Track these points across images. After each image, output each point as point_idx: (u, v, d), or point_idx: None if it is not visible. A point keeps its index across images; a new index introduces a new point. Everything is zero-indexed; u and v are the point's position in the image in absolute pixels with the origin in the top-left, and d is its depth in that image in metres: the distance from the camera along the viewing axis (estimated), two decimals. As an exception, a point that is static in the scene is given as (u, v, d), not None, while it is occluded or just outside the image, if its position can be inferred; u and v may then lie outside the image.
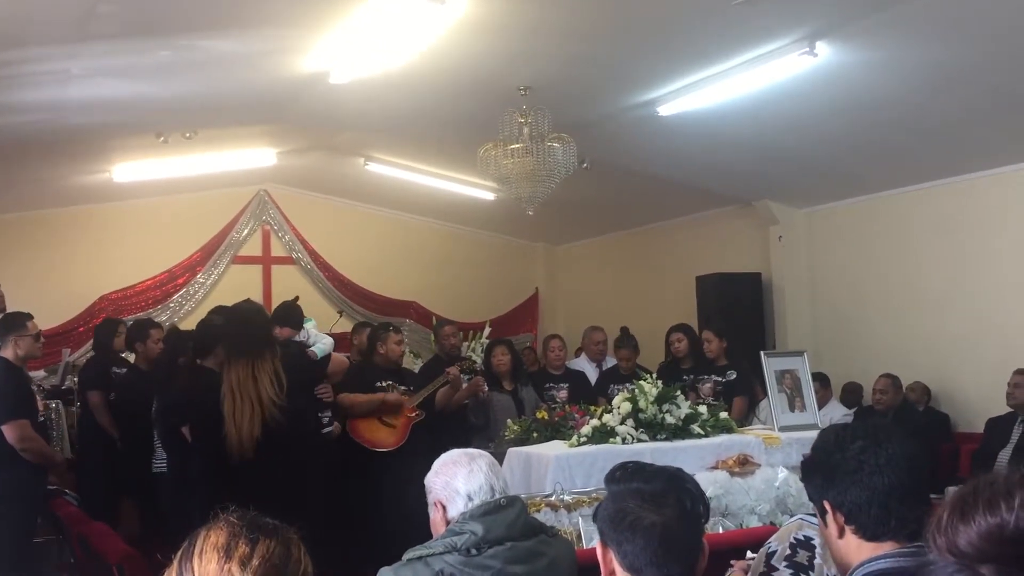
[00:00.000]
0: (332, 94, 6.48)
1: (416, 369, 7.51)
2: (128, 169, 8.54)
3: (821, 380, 7.25)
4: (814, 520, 2.23)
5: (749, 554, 2.59)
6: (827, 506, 1.89)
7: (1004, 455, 6.50)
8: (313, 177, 10.34)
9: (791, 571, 2.28)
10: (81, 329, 9.45)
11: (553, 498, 4.31)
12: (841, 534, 1.87)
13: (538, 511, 4.13)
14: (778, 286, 9.01)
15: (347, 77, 6.06)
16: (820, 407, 6.03)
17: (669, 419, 5.06)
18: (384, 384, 6.28)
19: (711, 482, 4.60)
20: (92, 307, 9.66)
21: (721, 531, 4.41)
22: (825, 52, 5.46)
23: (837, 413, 7.42)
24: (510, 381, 6.79)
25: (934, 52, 5.51)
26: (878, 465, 1.83)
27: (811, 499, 1.98)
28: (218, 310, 5.13)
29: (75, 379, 7.56)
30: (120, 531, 5.26)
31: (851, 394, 7.99)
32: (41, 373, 7.92)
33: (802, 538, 2.32)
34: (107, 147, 7.90)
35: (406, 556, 2.46)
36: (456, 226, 11.61)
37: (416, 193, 10.15)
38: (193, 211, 10.30)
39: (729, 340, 6.91)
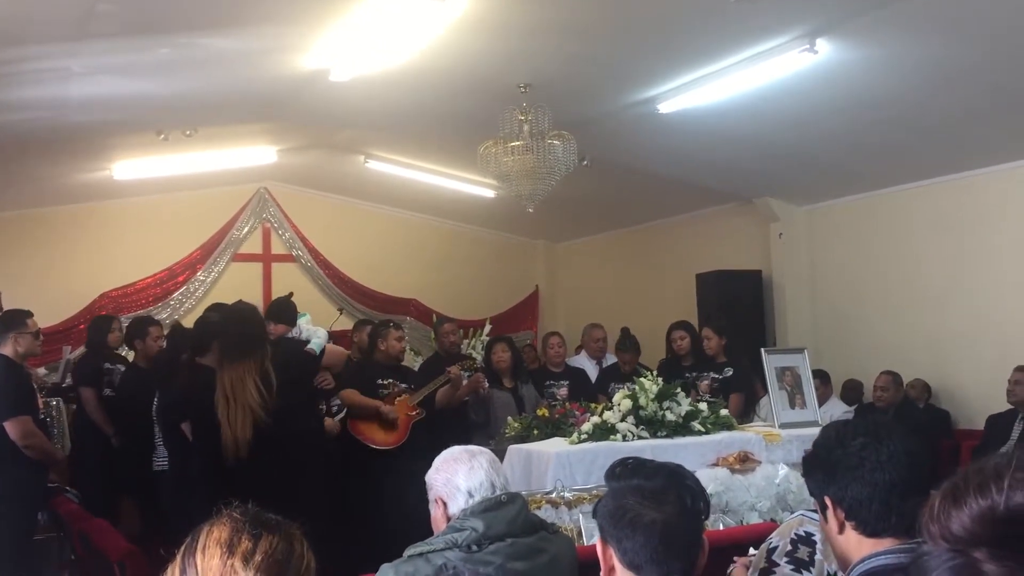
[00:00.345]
0: (332, 92, 6.48)
1: (416, 367, 7.52)
2: (128, 167, 8.54)
3: (821, 377, 7.26)
4: (815, 516, 2.24)
5: (751, 551, 2.59)
6: (828, 502, 1.89)
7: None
8: (313, 175, 10.34)
9: (792, 567, 2.28)
10: (81, 327, 9.43)
11: (554, 495, 4.31)
12: (841, 530, 1.87)
13: (539, 508, 4.13)
14: (778, 283, 9.01)
15: (347, 75, 6.05)
16: (820, 404, 6.04)
17: (670, 416, 5.06)
18: (385, 382, 6.28)
19: (712, 479, 4.60)
20: (92, 305, 9.67)
21: (721, 528, 4.41)
22: (825, 49, 5.46)
23: (837, 410, 7.42)
24: (510, 378, 6.79)
25: (934, 50, 5.51)
26: (879, 461, 1.84)
27: (812, 495, 1.98)
28: (215, 307, 5.15)
29: (75, 377, 7.57)
30: (120, 529, 5.27)
31: (851, 391, 8.00)
32: (42, 370, 7.93)
33: (803, 534, 2.32)
34: (107, 145, 7.91)
35: (407, 552, 2.46)
36: (456, 224, 11.62)
37: (416, 191, 10.15)
38: (193, 209, 10.30)
39: (729, 337, 6.91)
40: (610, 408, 5.11)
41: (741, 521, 4.61)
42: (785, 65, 5.71)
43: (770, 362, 5.50)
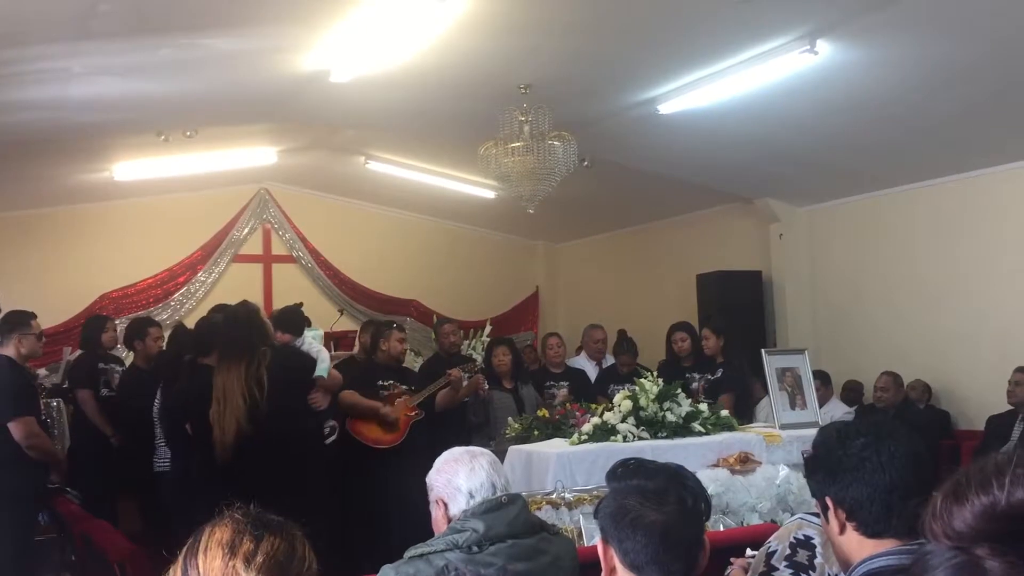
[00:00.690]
0: (333, 92, 6.48)
1: (417, 368, 7.51)
2: (129, 168, 8.54)
3: (822, 378, 7.26)
4: (814, 519, 2.24)
5: (749, 552, 2.59)
6: (829, 502, 1.89)
7: (1004, 453, 6.51)
8: (314, 176, 10.34)
9: (791, 571, 2.28)
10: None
11: (554, 496, 4.31)
12: (842, 531, 1.87)
13: (539, 509, 4.13)
14: (779, 284, 9.02)
15: (348, 76, 6.06)
16: (821, 405, 6.04)
17: (670, 417, 5.07)
18: (386, 383, 6.28)
19: (712, 480, 4.60)
20: (93, 306, 9.66)
21: (722, 529, 4.41)
22: (825, 50, 5.47)
23: (838, 411, 7.42)
24: (510, 380, 6.79)
25: (934, 50, 5.52)
26: (880, 462, 1.84)
27: (813, 495, 1.98)
28: (219, 308, 5.17)
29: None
30: (120, 529, 5.27)
31: (852, 392, 8.00)
32: (43, 371, 7.93)
33: (802, 537, 2.32)
34: (108, 145, 7.91)
35: (408, 554, 2.46)
36: (457, 224, 11.62)
37: (417, 192, 10.15)
38: (194, 210, 10.30)
39: (727, 337, 6.91)
40: (610, 409, 5.11)
41: (742, 522, 4.61)
42: (785, 66, 5.72)
43: (771, 363, 5.50)
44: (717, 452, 4.96)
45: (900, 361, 7.65)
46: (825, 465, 1.92)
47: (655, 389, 5.07)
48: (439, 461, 2.65)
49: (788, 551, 2.31)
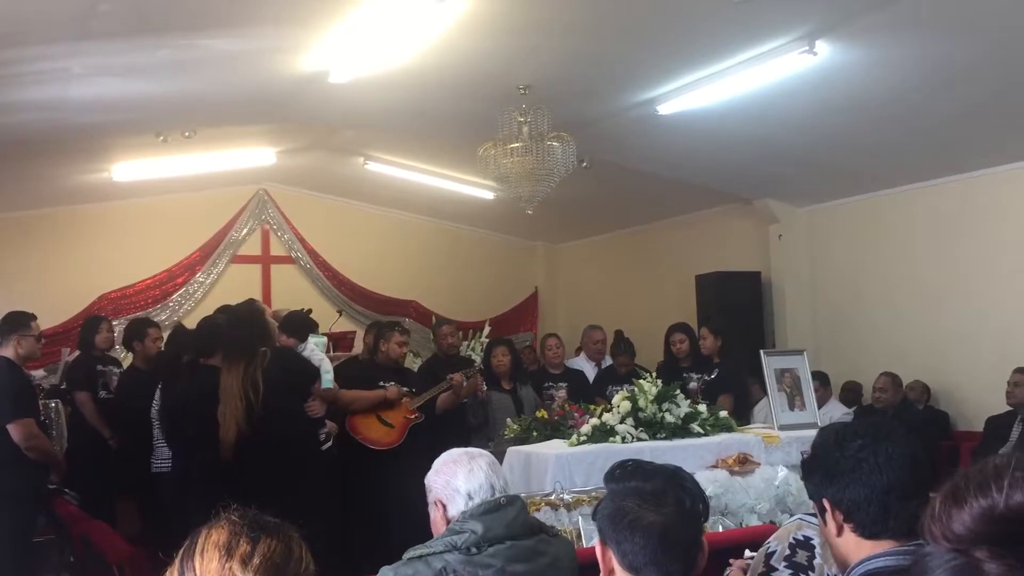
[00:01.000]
0: (332, 93, 6.48)
1: (415, 369, 7.51)
2: (128, 168, 8.54)
3: (821, 379, 7.25)
4: (813, 520, 2.24)
5: (748, 553, 2.59)
6: (826, 504, 1.89)
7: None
8: (312, 176, 10.34)
9: (791, 571, 2.28)
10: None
11: (553, 497, 4.31)
12: (840, 532, 1.87)
13: (538, 510, 4.13)
14: (778, 285, 9.01)
15: (347, 76, 6.05)
16: (820, 406, 6.04)
17: (669, 418, 5.06)
18: (387, 384, 6.28)
19: (711, 481, 4.60)
20: (91, 306, 9.65)
21: (721, 530, 4.41)
22: (825, 51, 5.47)
23: (837, 412, 7.42)
24: (509, 380, 6.79)
25: (933, 51, 5.52)
26: (877, 464, 1.84)
27: (811, 497, 1.98)
28: (223, 309, 5.16)
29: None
30: (119, 531, 5.26)
31: (851, 393, 7.99)
32: (41, 372, 7.92)
33: (801, 538, 2.32)
34: (107, 146, 7.91)
35: (406, 555, 2.46)
36: (456, 225, 11.62)
37: (415, 192, 10.15)
38: (192, 210, 10.30)
39: (725, 338, 6.91)
40: (609, 410, 5.11)
41: (740, 523, 4.61)
42: (784, 66, 5.72)
43: (769, 364, 5.50)
44: (716, 453, 4.96)
45: (899, 362, 7.65)
46: (822, 467, 1.92)
47: (654, 390, 5.07)
48: (438, 462, 2.65)
49: (787, 552, 2.31)
